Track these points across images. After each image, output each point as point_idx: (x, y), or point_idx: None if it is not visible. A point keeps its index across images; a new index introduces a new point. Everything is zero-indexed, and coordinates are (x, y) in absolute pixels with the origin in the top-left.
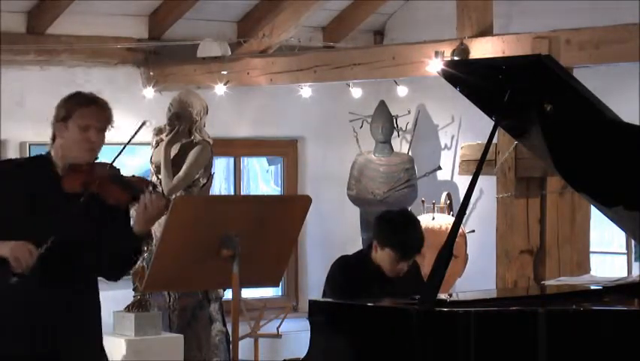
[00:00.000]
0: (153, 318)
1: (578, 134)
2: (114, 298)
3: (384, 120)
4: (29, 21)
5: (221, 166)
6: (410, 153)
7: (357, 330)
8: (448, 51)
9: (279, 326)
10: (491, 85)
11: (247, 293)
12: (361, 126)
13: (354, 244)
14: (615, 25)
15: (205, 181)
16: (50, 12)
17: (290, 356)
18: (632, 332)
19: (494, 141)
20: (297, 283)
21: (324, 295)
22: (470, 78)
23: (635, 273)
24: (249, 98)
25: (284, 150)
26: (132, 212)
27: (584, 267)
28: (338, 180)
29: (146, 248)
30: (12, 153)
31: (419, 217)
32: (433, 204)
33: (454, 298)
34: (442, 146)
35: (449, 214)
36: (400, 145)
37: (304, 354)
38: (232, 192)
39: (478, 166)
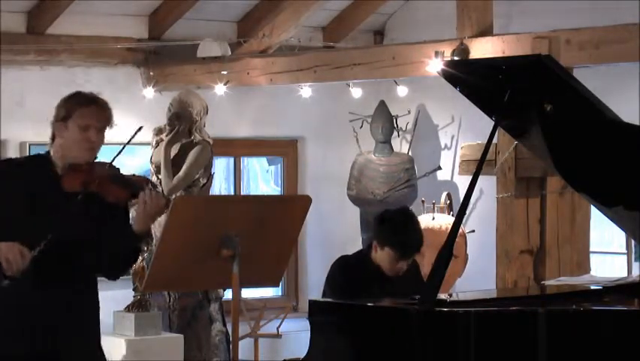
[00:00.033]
0: (153, 318)
1: (578, 134)
2: (114, 298)
3: (384, 120)
4: (29, 21)
5: (221, 166)
6: (410, 153)
7: (357, 330)
8: (448, 51)
9: (279, 326)
10: (491, 85)
11: (247, 293)
12: (361, 126)
13: (354, 244)
14: (615, 25)
15: (205, 181)
16: (50, 12)
17: (290, 356)
18: (632, 332)
19: (494, 141)
20: (297, 283)
21: (324, 296)
22: (470, 78)
23: (635, 273)
24: (249, 98)
25: (284, 150)
26: (132, 213)
27: (584, 267)
28: (338, 180)
29: (146, 248)
30: (12, 153)
31: (419, 217)
32: (433, 204)
33: (454, 298)
34: (442, 146)
35: (449, 214)
36: (400, 145)
37: (304, 354)
38: (232, 192)
39: (478, 166)
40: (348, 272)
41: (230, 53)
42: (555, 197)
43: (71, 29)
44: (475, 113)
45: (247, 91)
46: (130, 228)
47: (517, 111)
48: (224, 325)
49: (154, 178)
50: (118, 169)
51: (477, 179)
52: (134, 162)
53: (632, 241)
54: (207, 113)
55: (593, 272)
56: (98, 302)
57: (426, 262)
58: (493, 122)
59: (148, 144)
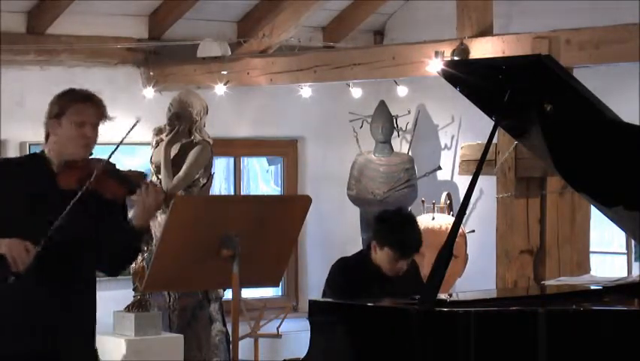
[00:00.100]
0: (153, 318)
1: (578, 135)
2: (114, 298)
3: (384, 120)
4: (29, 21)
5: (221, 166)
6: (410, 153)
7: (357, 330)
8: (448, 51)
9: (279, 326)
10: (491, 85)
11: (247, 293)
12: (361, 126)
13: (354, 244)
14: (615, 25)
15: (205, 181)
16: (50, 12)
17: (290, 356)
18: (632, 332)
19: (494, 141)
20: (297, 283)
21: (324, 296)
22: (470, 78)
23: (635, 273)
24: (249, 98)
25: (284, 150)
26: (131, 214)
27: (584, 267)
28: (338, 180)
29: (146, 248)
30: (12, 153)
31: (419, 217)
32: (433, 204)
33: (454, 298)
34: (442, 146)
35: (449, 214)
36: (400, 145)
37: (304, 354)
38: (232, 192)
39: (478, 166)
40: (347, 273)
41: (230, 53)
42: (555, 197)
43: (71, 29)
44: (475, 113)
45: (247, 91)
46: (129, 224)
47: (517, 111)
48: (224, 325)
49: (154, 178)
50: (114, 165)
51: (477, 179)
52: (134, 162)
53: (632, 241)
54: (207, 113)
55: (593, 272)
56: (95, 303)
57: (426, 262)
58: (493, 122)
59: (148, 143)
